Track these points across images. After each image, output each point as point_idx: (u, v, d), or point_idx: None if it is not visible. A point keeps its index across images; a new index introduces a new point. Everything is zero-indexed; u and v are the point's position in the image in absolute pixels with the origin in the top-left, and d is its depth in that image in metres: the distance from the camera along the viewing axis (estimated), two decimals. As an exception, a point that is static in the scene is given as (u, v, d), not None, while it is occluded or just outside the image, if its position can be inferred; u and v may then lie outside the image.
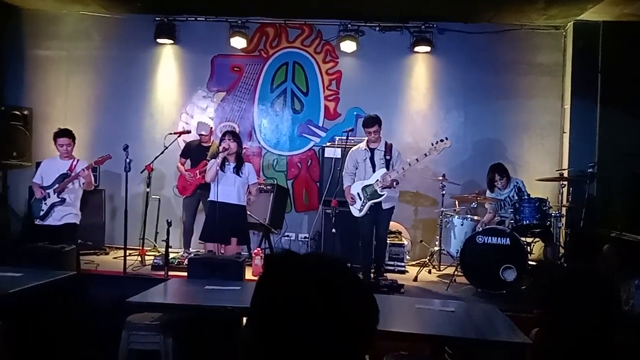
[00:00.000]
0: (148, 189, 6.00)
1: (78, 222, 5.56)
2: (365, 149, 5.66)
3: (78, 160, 5.55)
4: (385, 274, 5.85)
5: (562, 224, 6.14)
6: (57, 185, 5.42)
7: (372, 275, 5.69)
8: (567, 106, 6.99)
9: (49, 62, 7.68)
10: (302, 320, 0.96)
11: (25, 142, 7.11)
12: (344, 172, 5.73)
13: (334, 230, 5.68)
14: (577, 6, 6.44)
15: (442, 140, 5.49)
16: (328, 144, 6.98)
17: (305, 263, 1.05)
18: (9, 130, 6.96)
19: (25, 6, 7.52)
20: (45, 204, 5.43)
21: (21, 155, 7.04)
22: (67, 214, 5.46)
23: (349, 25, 7.28)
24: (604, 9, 6.43)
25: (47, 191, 5.44)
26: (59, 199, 5.43)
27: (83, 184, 5.48)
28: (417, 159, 5.49)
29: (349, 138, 6.11)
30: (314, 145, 7.47)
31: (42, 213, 5.43)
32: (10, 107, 7.13)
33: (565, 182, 6.32)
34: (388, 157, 5.55)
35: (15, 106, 7.19)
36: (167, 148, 6.25)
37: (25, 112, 7.17)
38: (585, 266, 2.31)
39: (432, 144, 5.51)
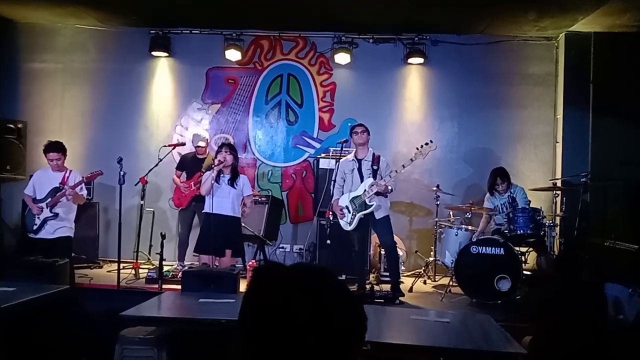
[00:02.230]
0: (142, 202, 5.98)
1: (72, 235, 5.52)
2: (352, 159, 5.67)
3: (71, 172, 5.50)
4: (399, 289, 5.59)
5: (556, 234, 6.16)
6: (49, 200, 5.37)
7: (367, 287, 5.68)
8: (560, 116, 7.04)
9: (44, 75, 7.70)
10: (290, 330, 0.96)
11: (19, 155, 7.10)
12: (332, 185, 5.73)
13: (328, 241, 5.67)
14: (568, 18, 6.51)
15: (427, 144, 5.50)
16: (323, 155, 7.00)
17: (290, 273, 1.05)
18: (3, 143, 6.96)
19: (20, 19, 7.55)
20: (38, 217, 5.39)
21: (15, 169, 7.03)
22: (60, 227, 5.40)
23: (343, 38, 7.33)
24: (594, 20, 6.50)
25: (41, 204, 5.40)
26: (52, 214, 5.37)
27: (70, 199, 5.42)
28: (403, 165, 5.49)
29: (344, 149, 6.12)
30: (308, 157, 7.49)
31: (35, 227, 5.39)
32: (4, 120, 7.13)
33: (559, 192, 6.34)
34: (375, 168, 5.54)
35: (10, 119, 7.19)
36: (161, 160, 6.24)
37: (20, 125, 7.17)
38: (574, 277, 2.32)
39: (417, 148, 5.52)
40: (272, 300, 0.99)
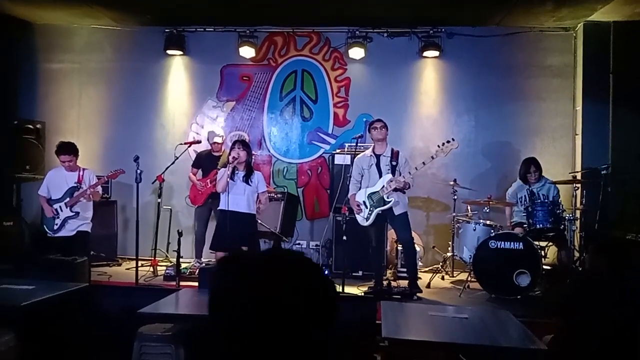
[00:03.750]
0: (159, 200, 6.02)
1: (89, 230, 5.62)
2: (370, 155, 5.62)
3: (84, 170, 5.60)
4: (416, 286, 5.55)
5: (577, 227, 6.06)
6: (68, 199, 5.45)
7: (384, 283, 5.65)
8: (579, 108, 6.92)
9: (61, 75, 7.78)
10: (289, 320, 0.94)
11: (38, 155, 7.19)
12: (348, 181, 5.70)
13: (345, 237, 5.64)
14: (587, 7, 6.39)
15: (448, 142, 5.44)
16: (338, 150, 6.99)
17: (269, 261, 1.02)
18: (22, 143, 7.06)
19: (37, 21, 7.63)
20: (59, 217, 5.47)
21: (34, 168, 7.13)
22: (80, 224, 5.53)
23: (357, 32, 7.28)
24: (614, 9, 6.37)
25: (59, 204, 5.47)
26: (73, 213, 5.48)
27: (89, 197, 5.51)
28: (423, 162, 5.44)
29: (359, 144, 6.08)
30: (323, 153, 7.47)
31: (56, 227, 5.48)
32: (23, 120, 7.23)
33: (579, 185, 6.23)
34: (394, 163, 5.50)
35: (29, 120, 7.29)
36: (177, 158, 6.29)
37: (38, 126, 7.26)
38: (607, 270, 2.25)
39: (439, 146, 5.46)
40: (271, 292, 0.96)
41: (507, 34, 7.16)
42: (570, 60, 7.10)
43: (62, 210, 5.48)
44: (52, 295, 3.69)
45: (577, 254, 6.10)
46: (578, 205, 6.26)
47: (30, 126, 7.18)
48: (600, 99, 6.74)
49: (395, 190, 5.40)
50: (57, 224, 5.48)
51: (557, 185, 6.20)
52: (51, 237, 5.50)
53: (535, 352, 2.78)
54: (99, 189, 5.64)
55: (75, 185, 5.47)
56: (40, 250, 5.52)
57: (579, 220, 6.21)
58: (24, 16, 7.45)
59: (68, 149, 5.48)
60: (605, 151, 6.66)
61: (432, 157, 5.45)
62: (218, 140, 6.64)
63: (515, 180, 6.30)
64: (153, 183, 6.15)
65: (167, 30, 7.49)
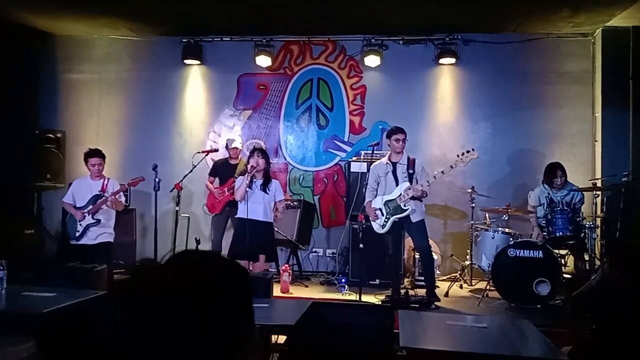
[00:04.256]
0: (177, 208, 6.07)
1: (112, 241, 5.68)
2: (387, 162, 5.61)
3: (109, 180, 5.67)
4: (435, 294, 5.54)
5: (597, 235, 5.96)
6: (91, 207, 5.54)
7: (401, 291, 5.62)
8: (598, 114, 6.84)
9: (81, 85, 7.92)
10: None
11: (59, 164, 7.31)
12: (365, 188, 5.70)
13: (361, 245, 5.63)
14: (605, 12, 6.32)
15: (468, 152, 5.41)
16: (354, 158, 6.98)
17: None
18: (43, 152, 7.17)
19: (58, 32, 7.78)
20: (81, 224, 5.55)
21: (55, 177, 7.24)
22: (102, 233, 5.58)
23: (373, 40, 7.30)
24: (633, 14, 6.29)
25: (83, 212, 5.56)
26: (94, 220, 5.55)
27: (110, 205, 5.58)
28: (442, 171, 5.41)
29: (375, 152, 6.07)
30: (339, 160, 7.48)
31: (77, 234, 5.55)
32: (44, 130, 7.36)
33: (599, 192, 6.15)
34: (411, 171, 5.48)
35: (49, 129, 7.42)
36: (195, 167, 6.33)
37: (59, 135, 7.39)
38: (627, 279, 2.22)
39: (458, 155, 5.43)
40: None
41: (524, 41, 7.11)
42: (589, 66, 7.03)
43: (84, 217, 5.56)
44: (72, 303, 3.72)
45: (598, 263, 6.00)
46: (598, 213, 6.16)
47: (51, 135, 7.31)
48: (619, 105, 6.66)
49: (413, 198, 5.38)
50: (78, 231, 5.55)
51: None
52: (74, 244, 5.57)
53: (557, 363, 2.73)
54: (122, 198, 5.71)
55: (99, 193, 5.55)
56: (62, 258, 5.58)
57: (599, 228, 6.12)
58: (45, 28, 7.60)
59: (98, 152, 5.64)
60: (625, 158, 6.57)
61: (452, 167, 5.42)
62: (237, 145, 6.69)
63: (538, 185, 6.22)
64: (171, 191, 6.19)
65: (184, 40, 7.58)
